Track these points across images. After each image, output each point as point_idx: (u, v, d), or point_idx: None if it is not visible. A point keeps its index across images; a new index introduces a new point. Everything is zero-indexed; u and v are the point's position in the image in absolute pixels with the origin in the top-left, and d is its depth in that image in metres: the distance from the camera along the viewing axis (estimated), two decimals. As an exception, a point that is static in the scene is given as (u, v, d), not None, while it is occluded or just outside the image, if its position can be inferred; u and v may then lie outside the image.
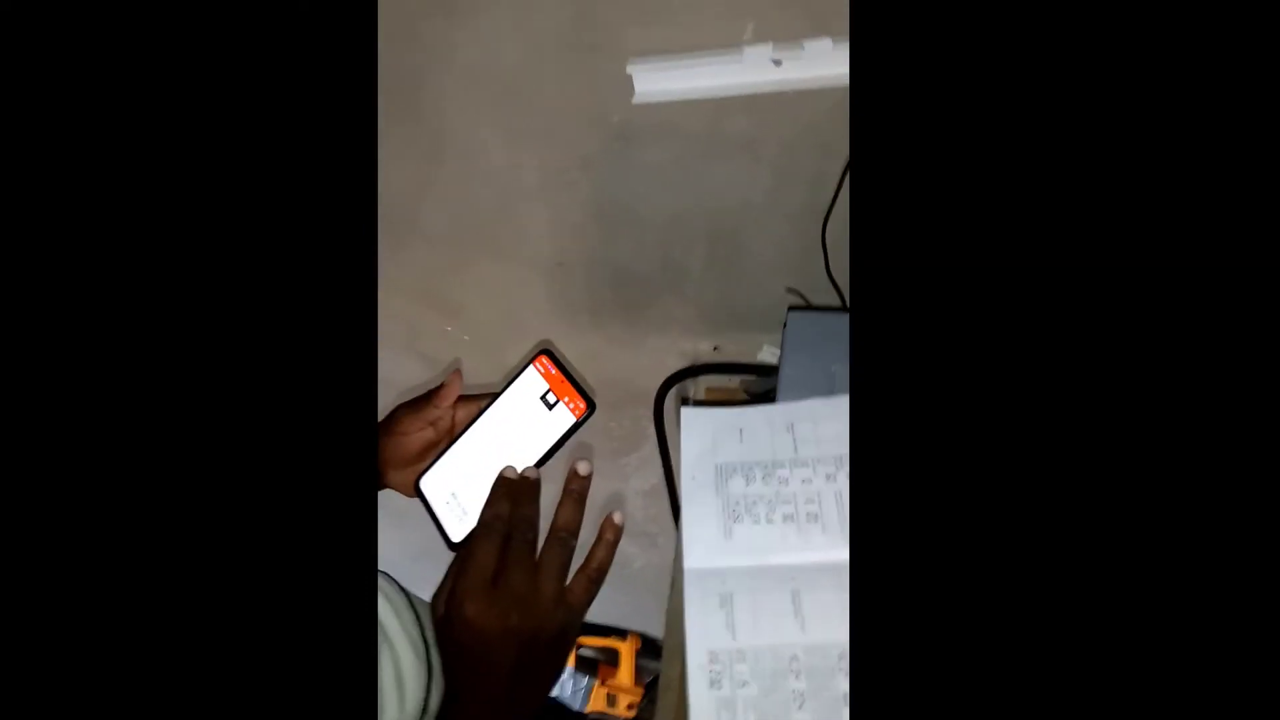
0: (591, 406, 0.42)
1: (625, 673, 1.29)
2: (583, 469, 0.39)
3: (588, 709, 1.26)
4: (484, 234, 0.71)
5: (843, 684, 0.38)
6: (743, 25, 0.49)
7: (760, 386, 0.66)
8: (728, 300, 0.71)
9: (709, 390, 0.67)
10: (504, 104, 0.59)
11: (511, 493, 0.38)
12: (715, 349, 0.73)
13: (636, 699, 1.26)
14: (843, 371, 0.50)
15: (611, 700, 1.27)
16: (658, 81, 0.51)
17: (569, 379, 0.43)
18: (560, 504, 0.38)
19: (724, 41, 0.50)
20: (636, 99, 0.53)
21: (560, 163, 0.62)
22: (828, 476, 0.45)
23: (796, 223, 0.59)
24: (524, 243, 0.70)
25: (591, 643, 1.29)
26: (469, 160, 0.64)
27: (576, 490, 0.38)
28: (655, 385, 0.68)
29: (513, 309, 0.78)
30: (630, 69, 0.51)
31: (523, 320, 0.78)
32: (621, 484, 0.86)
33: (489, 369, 0.82)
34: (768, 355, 0.71)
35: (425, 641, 0.39)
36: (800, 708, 0.37)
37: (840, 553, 0.42)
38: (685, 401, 0.67)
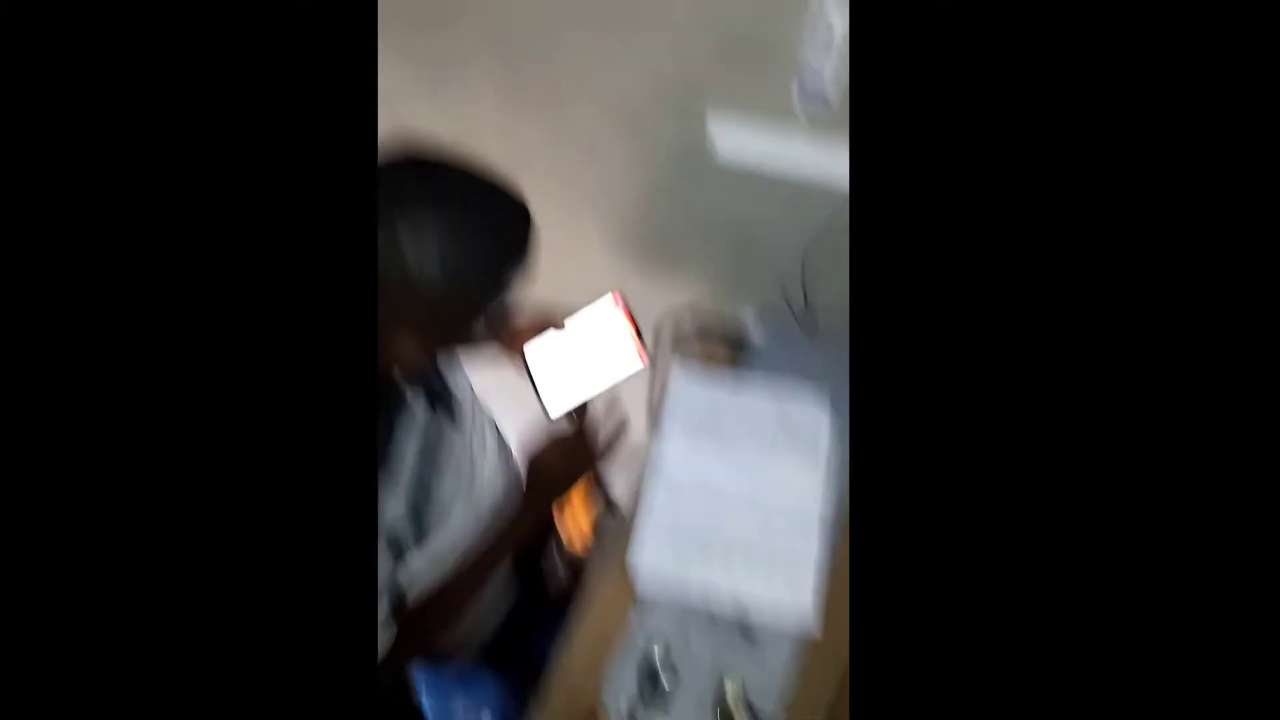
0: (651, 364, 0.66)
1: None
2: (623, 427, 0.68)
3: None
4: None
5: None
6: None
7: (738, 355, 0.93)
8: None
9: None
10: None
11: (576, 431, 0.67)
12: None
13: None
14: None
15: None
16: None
17: (640, 338, 0.67)
18: (600, 432, 0.67)
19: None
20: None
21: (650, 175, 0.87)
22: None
23: (790, 250, 0.85)
24: (603, 200, 0.95)
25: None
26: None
27: (612, 430, 0.67)
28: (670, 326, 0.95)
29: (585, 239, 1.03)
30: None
31: (591, 248, 1.03)
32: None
33: (560, 274, 1.08)
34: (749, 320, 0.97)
35: (502, 462, 0.71)
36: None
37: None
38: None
